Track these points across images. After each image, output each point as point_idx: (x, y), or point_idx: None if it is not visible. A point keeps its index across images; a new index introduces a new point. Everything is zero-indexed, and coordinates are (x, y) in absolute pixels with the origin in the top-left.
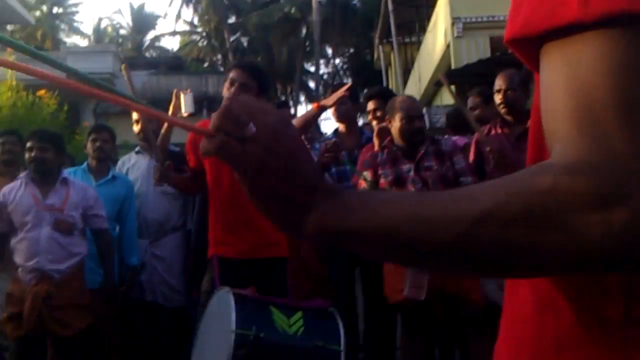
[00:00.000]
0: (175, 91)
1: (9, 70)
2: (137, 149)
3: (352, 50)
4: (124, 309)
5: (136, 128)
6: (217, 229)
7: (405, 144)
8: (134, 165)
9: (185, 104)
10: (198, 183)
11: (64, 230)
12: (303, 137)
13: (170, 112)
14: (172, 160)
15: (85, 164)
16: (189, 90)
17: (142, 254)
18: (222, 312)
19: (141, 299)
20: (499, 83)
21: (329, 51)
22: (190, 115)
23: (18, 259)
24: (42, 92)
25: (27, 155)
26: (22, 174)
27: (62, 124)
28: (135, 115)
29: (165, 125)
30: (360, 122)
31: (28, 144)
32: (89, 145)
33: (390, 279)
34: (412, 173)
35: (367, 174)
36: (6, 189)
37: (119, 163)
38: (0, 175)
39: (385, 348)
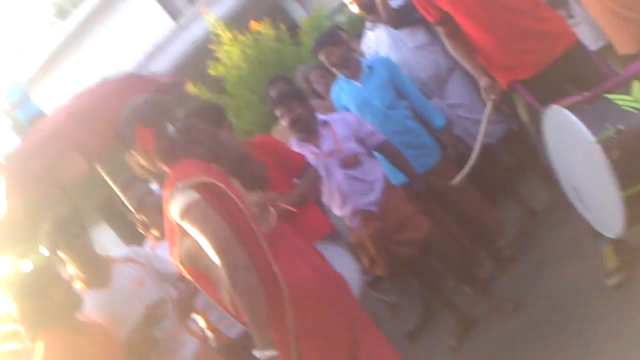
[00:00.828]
0: None
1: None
2: (367, 26)
3: None
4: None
5: (355, 8)
6: (498, 57)
7: None
8: (376, 42)
9: None
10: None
11: (352, 164)
12: None
13: None
14: (399, 14)
15: (339, 74)
16: None
17: (442, 112)
18: (566, 131)
19: (468, 149)
20: None
21: None
22: None
23: (335, 211)
24: (253, 24)
25: (282, 124)
26: (292, 142)
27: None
28: None
29: None
30: None
31: (277, 113)
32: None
33: None
34: None
35: None
36: None
37: (364, 47)
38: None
39: None
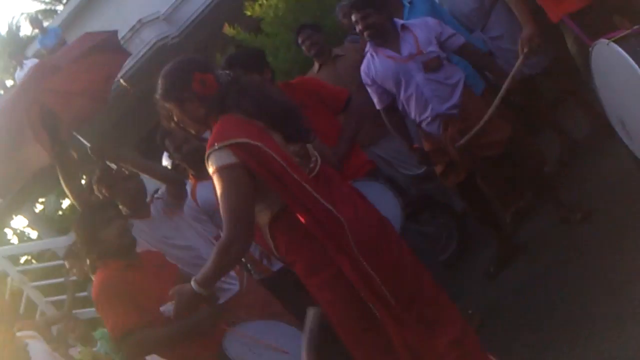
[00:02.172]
0: None
1: None
2: None
3: None
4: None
5: None
6: None
7: None
8: None
9: None
10: None
11: (434, 67)
12: None
13: None
14: None
15: None
16: None
17: (483, 44)
18: (616, 65)
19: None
20: None
21: None
22: None
23: (412, 117)
24: None
25: (357, 29)
26: (367, 48)
27: None
28: None
29: None
30: None
31: (353, 18)
32: None
33: None
34: None
35: None
36: (364, 67)
37: None
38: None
39: None
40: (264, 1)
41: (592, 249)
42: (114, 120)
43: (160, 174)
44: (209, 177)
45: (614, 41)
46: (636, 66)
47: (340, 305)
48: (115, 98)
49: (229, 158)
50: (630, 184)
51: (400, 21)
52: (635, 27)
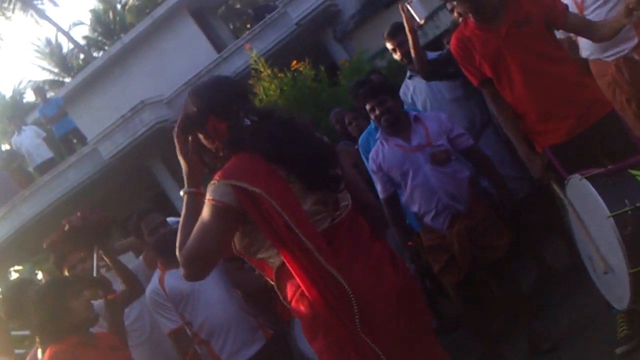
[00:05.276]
0: (400, 7)
1: (259, 62)
2: (408, 74)
3: None
4: None
5: (397, 56)
6: (532, 120)
7: None
8: (415, 91)
9: (415, 12)
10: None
11: (442, 160)
12: None
13: (407, 28)
14: (433, 67)
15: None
16: None
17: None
18: (585, 201)
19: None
20: None
21: None
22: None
23: (416, 209)
24: (295, 64)
25: (372, 116)
26: (377, 135)
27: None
28: (390, 45)
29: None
30: None
31: (367, 106)
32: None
33: None
34: None
35: None
36: (372, 154)
37: (402, 95)
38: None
39: None
40: (264, 97)
41: None
42: (103, 196)
43: (125, 276)
44: (177, 266)
45: (586, 178)
46: (603, 204)
47: None
48: (103, 175)
49: (225, 197)
50: (599, 323)
51: (413, 112)
52: (611, 166)
